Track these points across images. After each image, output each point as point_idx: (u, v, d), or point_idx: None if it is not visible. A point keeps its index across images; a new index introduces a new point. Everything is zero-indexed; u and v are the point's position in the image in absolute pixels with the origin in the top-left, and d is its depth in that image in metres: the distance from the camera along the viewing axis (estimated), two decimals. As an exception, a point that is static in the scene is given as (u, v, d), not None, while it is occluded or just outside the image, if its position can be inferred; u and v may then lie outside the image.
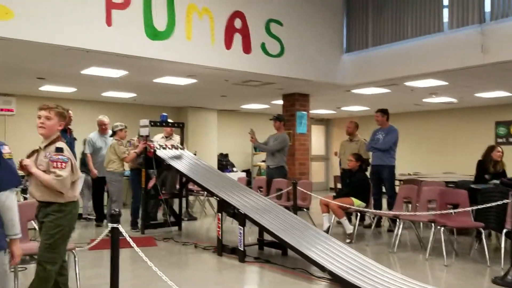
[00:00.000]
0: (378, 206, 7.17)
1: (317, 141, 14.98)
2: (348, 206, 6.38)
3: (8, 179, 2.32)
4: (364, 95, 9.71)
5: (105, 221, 7.64)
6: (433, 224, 5.52)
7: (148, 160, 6.75)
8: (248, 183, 9.99)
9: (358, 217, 6.94)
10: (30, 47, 5.65)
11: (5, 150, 2.35)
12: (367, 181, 6.75)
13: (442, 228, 5.35)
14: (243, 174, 11.67)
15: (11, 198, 2.34)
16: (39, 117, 3.29)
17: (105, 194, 7.81)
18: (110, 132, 7.29)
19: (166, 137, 7.77)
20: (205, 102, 11.21)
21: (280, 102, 9.99)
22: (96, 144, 7.55)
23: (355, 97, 9.96)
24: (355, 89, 8.93)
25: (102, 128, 7.63)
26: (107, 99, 10.50)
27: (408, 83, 8.28)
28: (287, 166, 7.90)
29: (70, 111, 6.77)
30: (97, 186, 7.66)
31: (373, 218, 6.93)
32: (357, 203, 6.54)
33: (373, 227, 6.66)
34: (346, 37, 8.45)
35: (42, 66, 6.91)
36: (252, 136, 7.55)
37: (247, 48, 7.10)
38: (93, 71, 7.17)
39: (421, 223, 7.22)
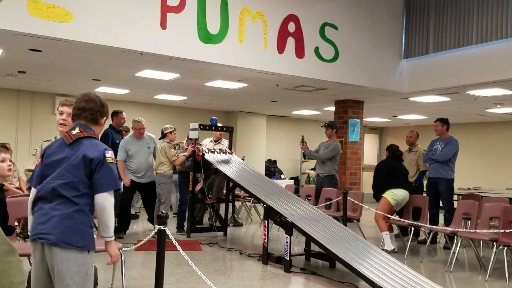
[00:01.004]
0: (434, 221, 6.89)
1: (369, 151, 14.66)
2: (389, 216, 6.15)
3: (107, 182, 2.44)
4: (422, 103, 9.41)
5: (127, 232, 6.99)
6: (495, 244, 5.26)
7: (196, 164, 6.78)
8: (296, 191, 9.82)
9: (412, 232, 6.70)
10: (87, 49, 5.79)
11: (109, 154, 2.50)
12: (384, 164, 6.50)
13: (505, 248, 5.09)
14: (291, 182, 11.49)
15: (109, 201, 2.46)
16: (61, 113, 3.19)
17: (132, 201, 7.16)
18: (147, 135, 6.78)
19: (215, 141, 7.76)
20: (255, 106, 11.13)
21: (332, 108, 9.80)
22: (131, 149, 6.65)
23: (413, 105, 9.66)
24: (413, 96, 8.65)
25: (138, 132, 6.69)
26: (158, 101, 10.66)
27: (471, 92, 7.94)
28: (337, 175, 7.76)
29: (123, 113, 6.92)
30: (126, 193, 6.75)
31: (428, 233, 6.65)
32: (389, 196, 6.24)
33: (428, 243, 6.39)
34: (405, 42, 8.20)
35: (98, 67, 7.01)
36: (302, 143, 7.46)
37: (300, 53, 6.99)
38: (147, 73, 7.30)
39: (481, 242, 6.91)
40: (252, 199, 7.72)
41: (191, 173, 6.84)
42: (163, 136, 7.17)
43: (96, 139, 2.54)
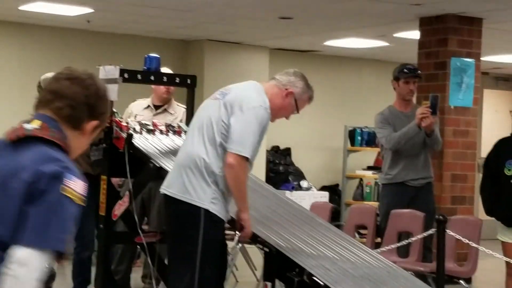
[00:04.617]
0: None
1: (495, 127, 11.80)
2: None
3: (43, 232, 2.46)
4: None
5: None
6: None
7: (114, 157, 5.69)
8: (335, 216, 8.31)
9: None
10: None
11: (71, 181, 2.24)
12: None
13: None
14: (324, 196, 9.52)
15: (31, 268, 2.23)
16: None
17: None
18: None
19: (156, 106, 6.46)
20: (243, 30, 9.07)
21: (413, 34, 8.03)
22: None
23: None
24: None
25: None
26: (29, 18, 8.61)
27: None
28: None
29: None
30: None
31: None
32: None
33: None
34: None
35: None
36: (432, 111, 5.81)
37: None
38: None
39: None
40: (238, 234, 6.36)
41: (103, 178, 5.71)
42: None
43: (62, 148, 2.12)
